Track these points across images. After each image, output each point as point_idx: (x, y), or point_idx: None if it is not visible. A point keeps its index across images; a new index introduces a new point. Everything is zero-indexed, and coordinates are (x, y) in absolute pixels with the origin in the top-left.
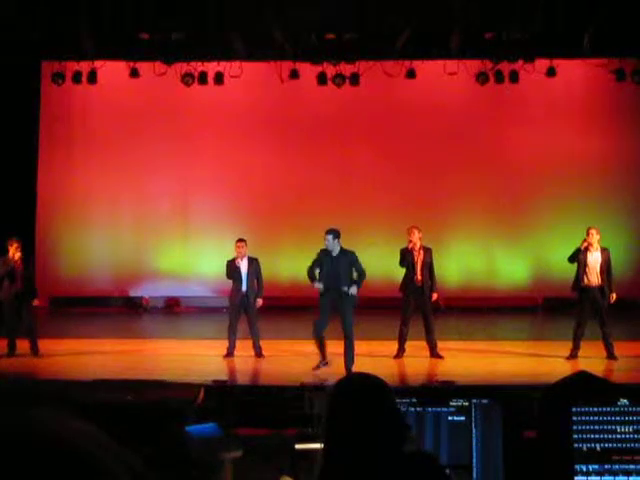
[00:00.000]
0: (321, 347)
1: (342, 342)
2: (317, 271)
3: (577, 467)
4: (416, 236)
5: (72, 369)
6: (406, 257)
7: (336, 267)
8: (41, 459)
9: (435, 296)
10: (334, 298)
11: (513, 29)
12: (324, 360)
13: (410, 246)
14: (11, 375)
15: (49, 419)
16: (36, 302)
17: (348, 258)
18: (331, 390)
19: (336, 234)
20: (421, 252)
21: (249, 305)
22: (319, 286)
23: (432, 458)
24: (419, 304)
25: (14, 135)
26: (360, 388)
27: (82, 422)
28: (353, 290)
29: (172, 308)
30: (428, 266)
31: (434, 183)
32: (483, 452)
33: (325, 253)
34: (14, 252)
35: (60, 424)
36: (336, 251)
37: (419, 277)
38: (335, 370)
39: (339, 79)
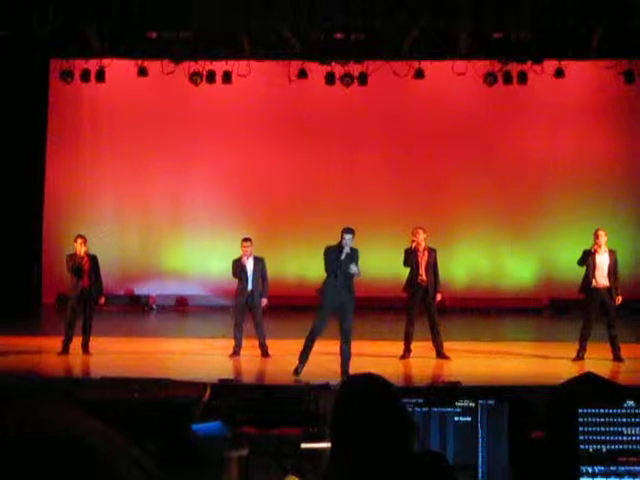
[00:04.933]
0: (306, 352)
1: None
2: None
3: (583, 468)
4: (421, 236)
5: (78, 367)
6: (410, 257)
7: (345, 266)
8: (52, 455)
9: (439, 297)
10: (340, 299)
11: (522, 30)
12: (301, 366)
13: (414, 246)
14: (18, 371)
15: (59, 414)
16: (102, 300)
17: (354, 256)
18: (337, 390)
19: (354, 233)
20: (425, 253)
21: (255, 304)
22: (355, 270)
23: (441, 458)
24: (424, 304)
25: (22, 133)
26: (366, 388)
27: (92, 418)
28: (354, 269)
29: (178, 307)
30: (432, 267)
31: (441, 183)
32: (489, 453)
33: (332, 251)
34: (79, 247)
35: (70, 420)
36: (347, 250)
37: (423, 277)
38: (339, 370)
39: (347, 79)
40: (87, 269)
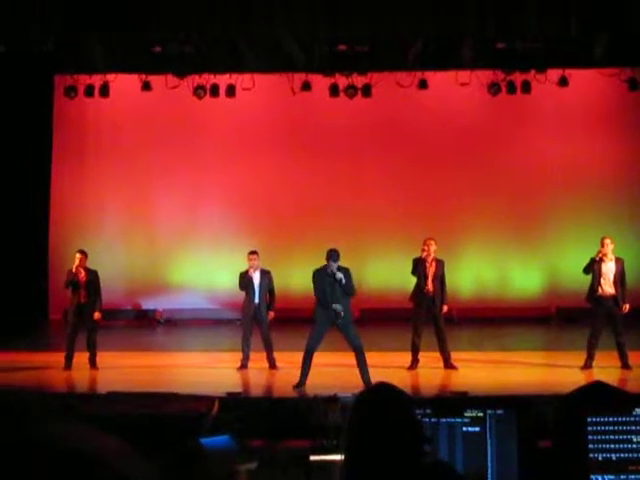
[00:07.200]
0: (306, 366)
1: (349, 353)
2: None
3: (593, 477)
4: (432, 248)
5: (85, 382)
6: (418, 266)
7: (335, 286)
8: (68, 471)
9: (445, 308)
10: (332, 318)
11: (525, 39)
12: (303, 382)
13: (424, 255)
14: (24, 388)
15: (73, 432)
16: (97, 315)
17: (344, 275)
18: (354, 401)
19: (338, 255)
20: (433, 263)
21: (262, 317)
22: (338, 307)
23: (451, 469)
24: (430, 315)
25: (28, 148)
26: (385, 399)
27: (105, 434)
28: (338, 307)
29: (185, 321)
30: (440, 278)
31: (445, 193)
32: (498, 462)
33: (321, 272)
34: (77, 262)
35: (84, 436)
36: (334, 270)
37: (430, 288)
38: (346, 382)
39: (351, 90)
40: (83, 284)
